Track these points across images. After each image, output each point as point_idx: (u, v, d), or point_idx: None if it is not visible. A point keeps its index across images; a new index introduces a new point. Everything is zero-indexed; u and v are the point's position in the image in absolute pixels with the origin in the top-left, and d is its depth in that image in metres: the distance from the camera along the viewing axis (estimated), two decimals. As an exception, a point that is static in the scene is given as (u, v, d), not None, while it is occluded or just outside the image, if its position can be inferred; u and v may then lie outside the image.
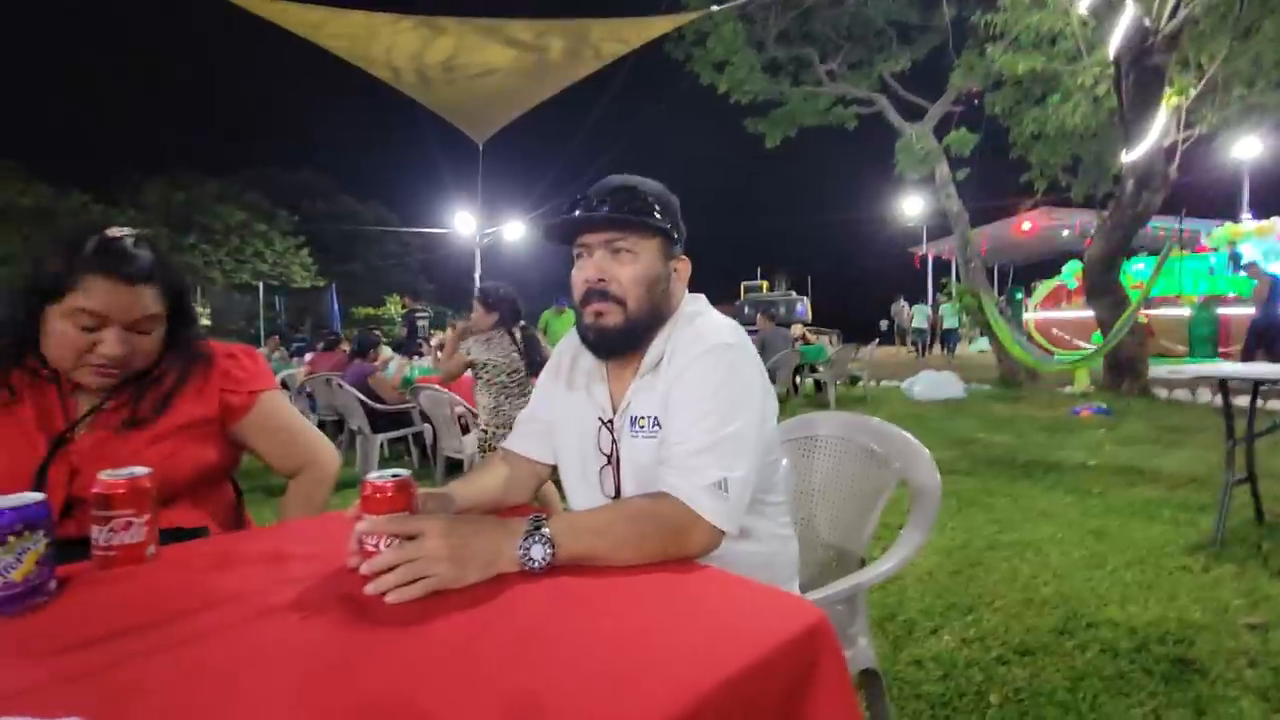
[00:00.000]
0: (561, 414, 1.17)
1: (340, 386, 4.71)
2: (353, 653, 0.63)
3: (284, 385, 6.64)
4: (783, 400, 7.52)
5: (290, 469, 1.29)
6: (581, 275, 1.06)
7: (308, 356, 8.48)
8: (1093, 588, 2.36)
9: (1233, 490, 2.74)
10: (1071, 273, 15.06)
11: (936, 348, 17.98)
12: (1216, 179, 13.58)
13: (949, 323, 16.25)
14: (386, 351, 7.32)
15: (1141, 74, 6.60)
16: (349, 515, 0.90)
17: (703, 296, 1.14)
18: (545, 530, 0.81)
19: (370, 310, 26.21)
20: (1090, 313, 9.03)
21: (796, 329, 9.80)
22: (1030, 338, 11.16)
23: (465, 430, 4.03)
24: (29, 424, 1.06)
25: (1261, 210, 13.86)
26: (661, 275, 1.07)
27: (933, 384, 8.36)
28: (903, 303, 19.21)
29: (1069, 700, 1.70)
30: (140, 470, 0.88)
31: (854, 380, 9.30)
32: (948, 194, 9.85)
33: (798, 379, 8.69)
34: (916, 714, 1.68)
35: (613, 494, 1.09)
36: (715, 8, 7.68)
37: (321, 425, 5.88)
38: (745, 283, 26.76)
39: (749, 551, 1.04)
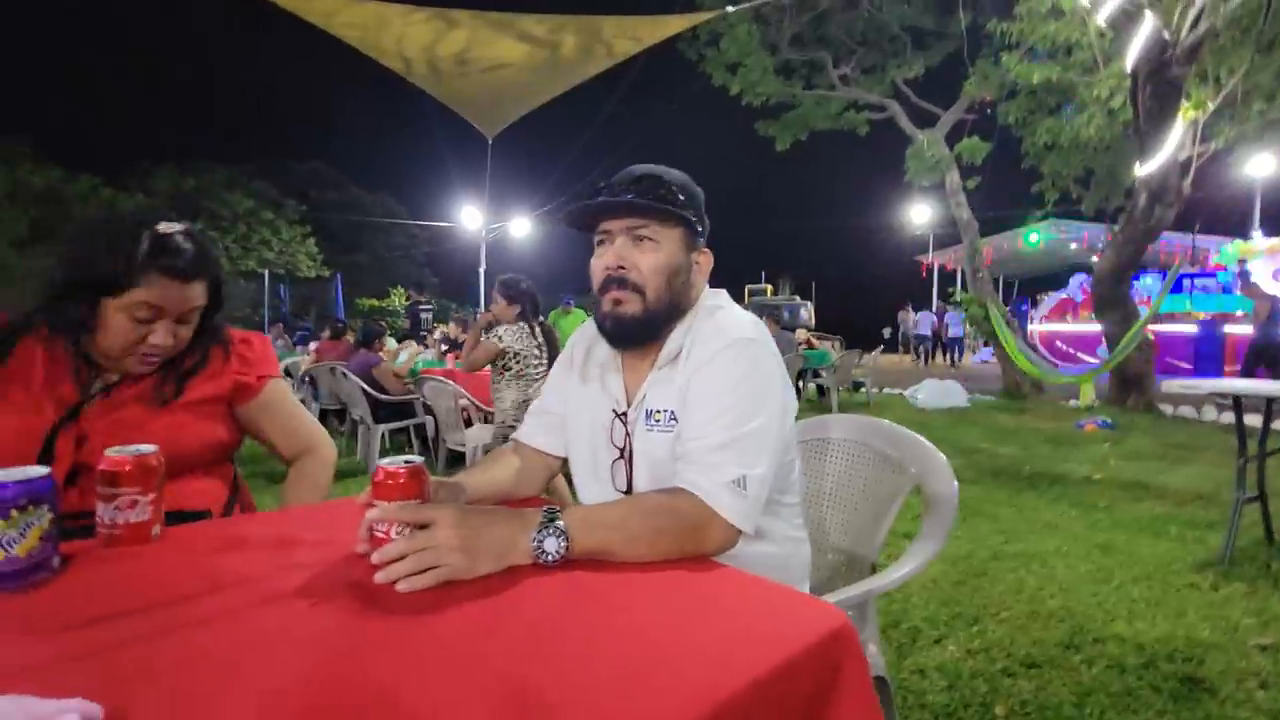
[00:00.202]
0: (574, 406, 1.15)
1: (344, 376, 4.70)
2: (361, 642, 0.61)
3: (287, 373, 6.63)
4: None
5: (294, 453, 1.32)
6: (601, 263, 1.04)
7: (312, 345, 8.48)
8: (1099, 602, 2.33)
9: (1242, 508, 2.71)
10: (1077, 285, 15.05)
11: (940, 356, 17.93)
12: (1228, 196, 13.49)
13: (954, 331, 16.20)
14: (391, 343, 7.32)
15: (1159, 87, 6.56)
16: (359, 501, 0.88)
17: (724, 291, 1.12)
18: (559, 523, 0.79)
19: (374, 302, 26.18)
20: (1095, 327, 8.99)
21: (801, 334, 9.78)
22: (1035, 349, 11.11)
23: (468, 423, 4.02)
24: (39, 390, 1.06)
25: (1273, 228, 13.81)
26: (683, 266, 1.05)
27: (936, 392, 8.33)
28: (910, 310, 19.13)
29: (1076, 716, 1.68)
30: (147, 448, 0.86)
31: (857, 386, 9.27)
32: (958, 202, 9.81)
33: (800, 384, 8.67)
34: (921, 724, 1.66)
35: (624, 488, 1.07)
36: (730, 8, 7.66)
37: (324, 414, 5.88)
38: (750, 286, 26.72)
39: (763, 553, 1.02)
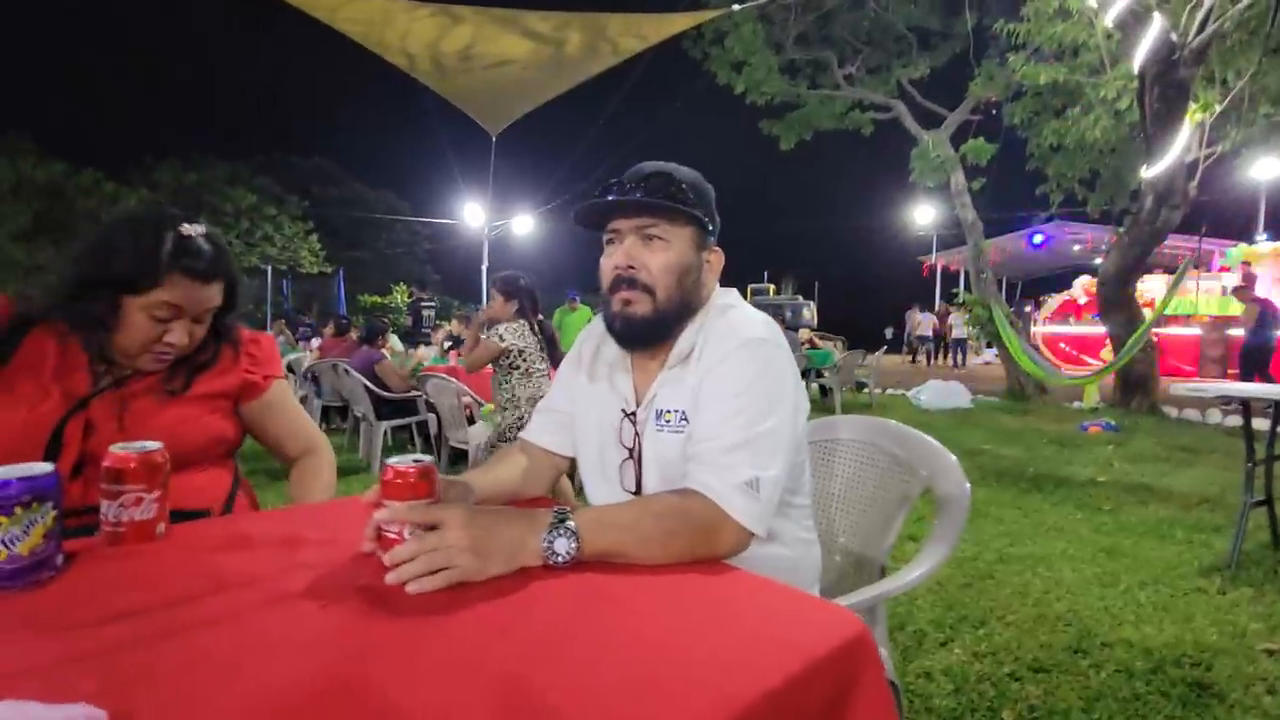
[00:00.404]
0: (582, 405, 1.14)
1: (346, 372, 4.69)
2: (368, 644, 0.60)
3: (290, 370, 6.63)
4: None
5: (297, 452, 1.33)
6: (610, 262, 1.02)
7: (315, 342, 8.48)
8: (1106, 606, 2.32)
9: (1249, 512, 2.69)
10: (1081, 287, 15.01)
11: (943, 357, 17.89)
12: (1233, 199, 13.46)
13: (959, 332, 16.17)
14: (395, 340, 7.31)
15: (1166, 88, 6.52)
16: (365, 500, 0.87)
17: (735, 290, 1.11)
18: (570, 523, 0.78)
19: (377, 298, 26.17)
20: (1099, 329, 8.95)
21: (804, 334, 9.77)
22: (1038, 350, 11.09)
23: (471, 420, 4.00)
24: (49, 381, 1.07)
25: (1278, 232, 13.77)
26: (693, 265, 1.03)
27: (940, 393, 8.31)
28: (917, 311, 19.07)
29: (1084, 720, 1.67)
30: (152, 445, 0.85)
31: (860, 386, 9.26)
32: (962, 203, 9.77)
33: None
34: (927, 727, 1.65)
35: (633, 489, 1.05)
36: (736, 6, 7.64)
37: (326, 410, 5.88)
38: (752, 285, 26.69)
39: (774, 555, 1.00)
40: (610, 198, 1.00)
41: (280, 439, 1.31)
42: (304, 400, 6.05)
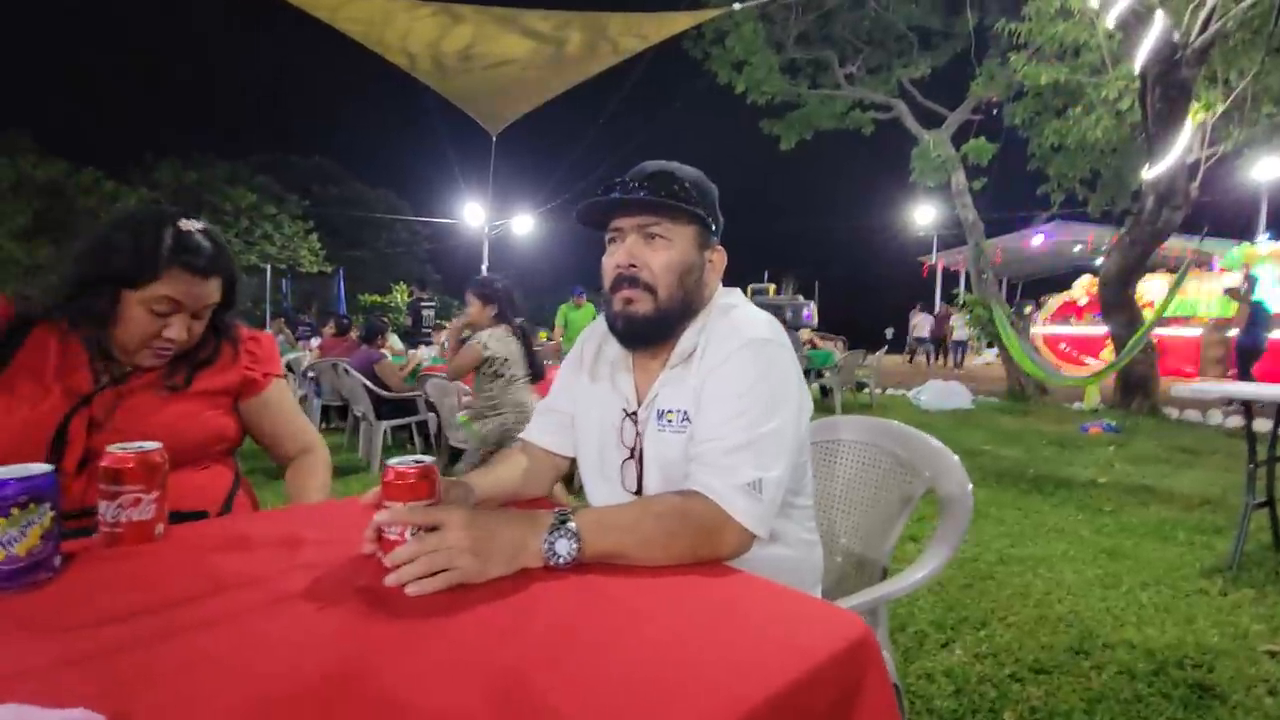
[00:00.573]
0: (583, 405, 1.13)
1: (346, 372, 4.69)
2: (369, 646, 0.59)
3: (289, 369, 6.62)
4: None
5: (294, 451, 1.34)
6: (612, 261, 1.02)
7: (314, 341, 8.47)
8: (1108, 607, 2.31)
9: (1251, 514, 2.69)
10: (1082, 288, 15.00)
11: (942, 358, 17.88)
12: (1234, 199, 13.44)
13: (960, 334, 16.17)
14: (395, 340, 7.30)
15: (1168, 88, 6.51)
16: (366, 501, 0.87)
17: (737, 290, 1.10)
18: (571, 524, 0.78)
19: (377, 298, 26.18)
20: (1099, 329, 8.94)
21: (804, 334, 9.76)
22: (1038, 351, 11.08)
23: (471, 420, 3.98)
24: (50, 380, 1.07)
25: (1279, 232, 13.75)
26: (695, 264, 1.03)
27: (940, 394, 8.30)
28: (920, 311, 19.06)
29: (1086, 722, 1.66)
30: (151, 445, 0.85)
31: (860, 387, 9.25)
32: (963, 203, 9.75)
33: (804, 384, 8.65)
34: (929, 729, 1.64)
35: (634, 489, 1.05)
36: (736, 6, 7.62)
37: (326, 410, 5.87)
38: (753, 285, 26.69)
39: (776, 556, 1.00)
40: (613, 196, 1.00)
41: (278, 438, 1.31)
42: (303, 400, 6.05)
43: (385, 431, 4.59)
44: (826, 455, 1.51)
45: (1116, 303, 7.57)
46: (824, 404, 8.32)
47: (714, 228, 1.06)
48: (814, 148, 11.39)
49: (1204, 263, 13.31)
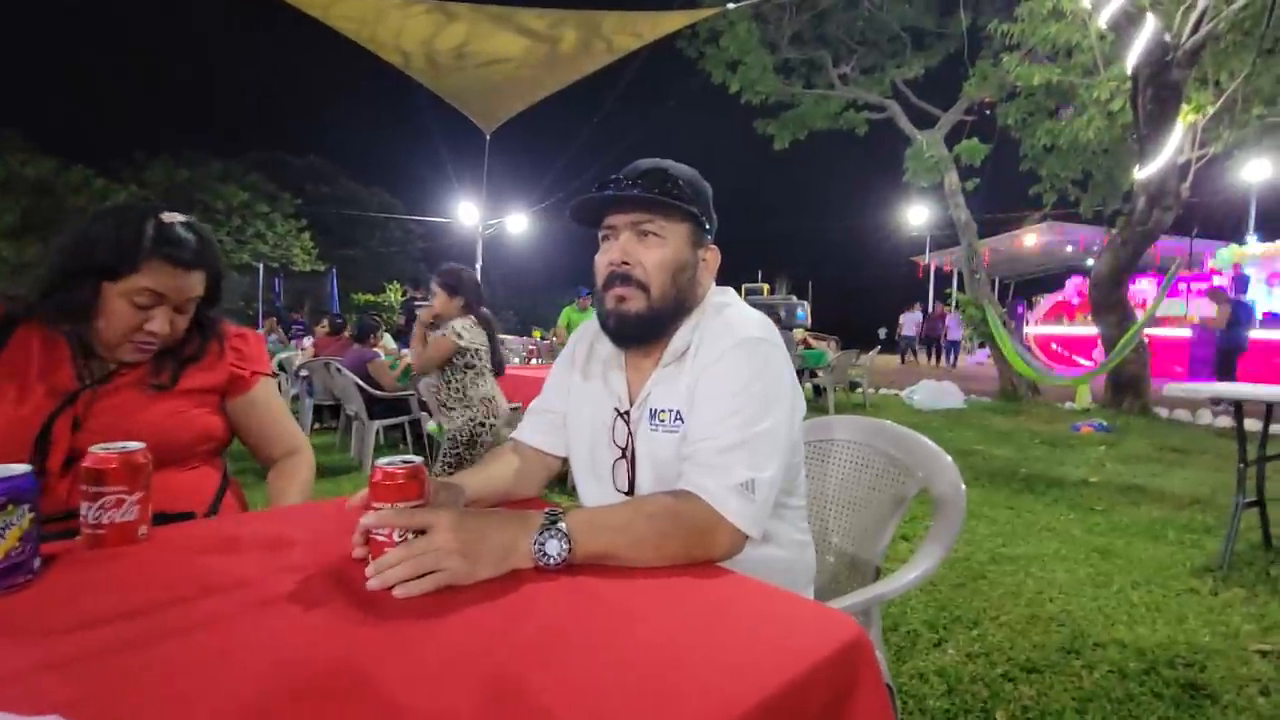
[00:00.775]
0: (575, 403, 1.12)
1: (339, 371, 4.66)
2: (357, 650, 0.58)
3: (281, 368, 6.58)
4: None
5: (279, 452, 1.32)
6: (605, 258, 1.01)
7: (306, 340, 8.42)
8: (1099, 606, 2.32)
9: (1241, 513, 2.70)
10: (1073, 288, 15.09)
11: (933, 357, 17.97)
12: (1223, 200, 13.56)
13: (955, 333, 16.25)
14: (388, 339, 7.26)
15: (1159, 89, 6.55)
16: (354, 503, 0.85)
17: (731, 289, 1.09)
18: (562, 525, 0.77)
19: (370, 297, 26.08)
20: (1091, 330, 8.99)
21: (798, 333, 9.77)
22: (1030, 351, 11.14)
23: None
24: (34, 380, 1.06)
25: (1268, 233, 13.87)
26: (689, 262, 1.02)
27: (933, 393, 8.34)
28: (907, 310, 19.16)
29: (1078, 721, 1.66)
30: (134, 445, 0.83)
31: (853, 386, 9.27)
32: (956, 203, 9.79)
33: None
34: (922, 729, 1.64)
35: (626, 489, 1.04)
36: (730, 5, 7.63)
37: (318, 410, 5.83)
38: (746, 285, 26.73)
39: (769, 556, 0.99)
40: (607, 193, 0.99)
41: (264, 438, 1.30)
42: (295, 399, 6.01)
43: (378, 431, 4.56)
44: (819, 455, 1.50)
45: (1107, 303, 7.62)
46: (817, 404, 8.34)
47: (708, 226, 1.05)
48: (808, 148, 11.41)
49: (1195, 263, 13.42)
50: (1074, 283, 15.59)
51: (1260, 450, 2.76)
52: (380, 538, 0.74)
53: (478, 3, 4.94)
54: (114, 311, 1.07)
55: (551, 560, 0.75)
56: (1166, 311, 11.31)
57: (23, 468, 0.71)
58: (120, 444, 0.83)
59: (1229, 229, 14.72)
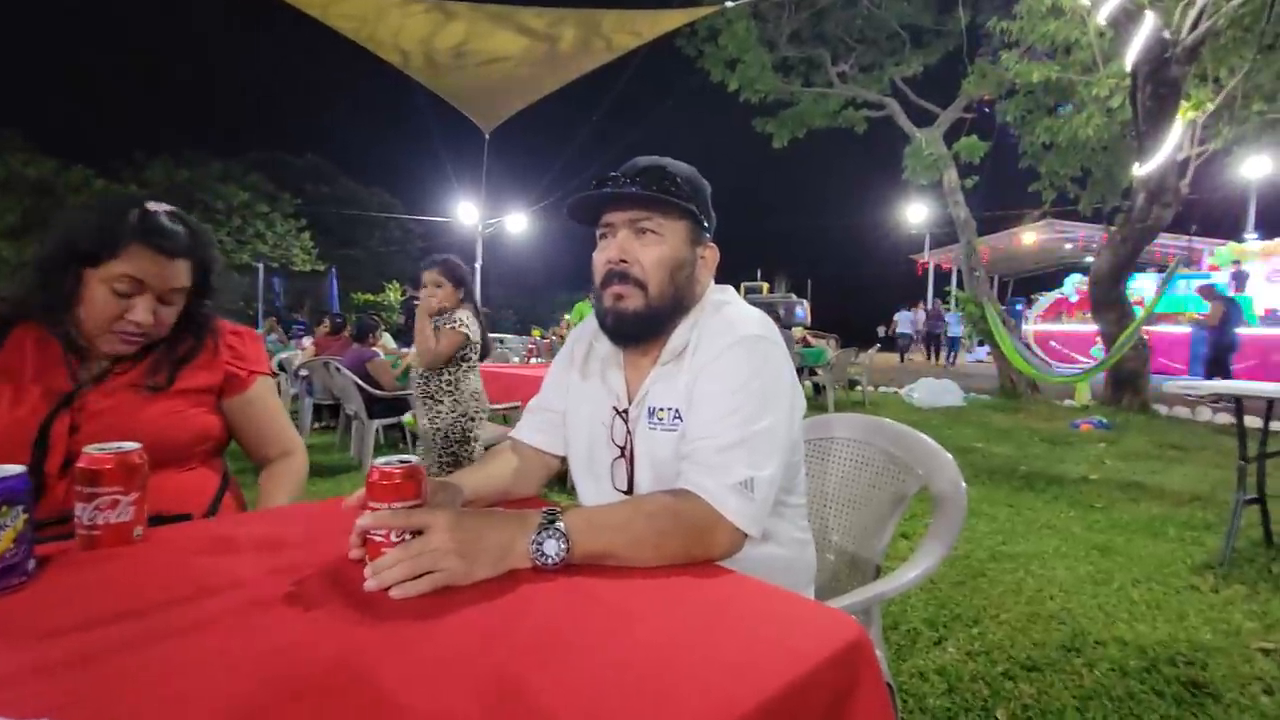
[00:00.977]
0: (574, 403, 1.12)
1: (338, 370, 4.65)
2: (354, 651, 0.58)
3: (281, 368, 6.57)
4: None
5: (274, 453, 1.32)
6: (603, 256, 1.01)
7: (306, 340, 8.42)
8: (1099, 604, 2.32)
9: (1242, 510, 2.70)
10: (1072, 286, 15.08)
11: (931, 355, 17.98)
12: (1222, 197, 13.55)
13: (954, 331, 16.25)
14: (388, 339, 7.26)
15: (1159, 86, 6.54)
16: (350, 503, 0.85)
17: (730, 287, 1.09)
18: (560, 524, 0.76)
19: (369, 296, 26.08)
20: (1090, 327, 8.98)
21: (797, 331, 9.77)
22: (1029, 348, 11.14)
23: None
24: (29, 383, 1.05)
25: (1268, 230, 13.87)
26: (687, 260, 1.02)
27: (932, 391, 8.33)
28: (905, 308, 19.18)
29: None
30: (130, 445, 0.83)
31: (853, 384, 9.27)
32: (955, 201, 9.78)
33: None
34: (922, 727, 1.64)
35: (625, 488, 1.03)
36: (729, 4, 7.61)
37: (318, 409, 5.83)
38: (746, 284, 26.74)
39: (769, 555, 0.99)
40: (604, 190, 0.99)
41: (260, 438, 1.29)
42: (295, 398, 6.01)
43: (377, 430, 4.56)
44: (819, 453, 1.50)
45: (1107, 300, 7.61)
46: (817, 402, 8.33)
47: (706, 224, 1.05)
48: (807, 146, 11.39)
49: (1194, 261, 13.41)
50: (1073, 280, 15.58)
51: (1261, 447, 2.76)
52: (377, 538, 0.73)
53: (477, 2, 4.93)
54: (94, 299, 1.05)
55: (549, 560, 0.75)
56: (1166, 308, 11.30)
57: (17, 469, 0.70)
58: (115, 444, 0.82)
59: (1228, 226, 14.73)
